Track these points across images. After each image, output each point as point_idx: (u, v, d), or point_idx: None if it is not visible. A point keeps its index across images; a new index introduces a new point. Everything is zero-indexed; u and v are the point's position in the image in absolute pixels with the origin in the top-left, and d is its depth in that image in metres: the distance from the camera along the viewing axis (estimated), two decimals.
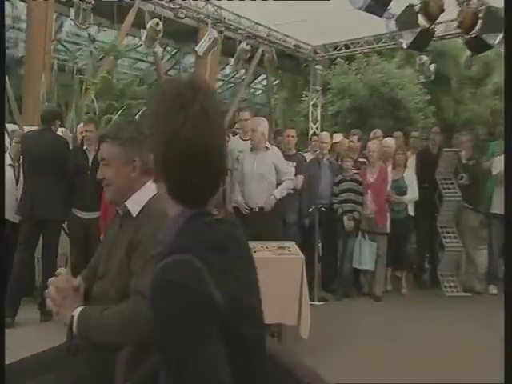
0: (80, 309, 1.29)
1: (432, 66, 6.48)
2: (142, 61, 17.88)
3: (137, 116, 6.28)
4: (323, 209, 4.67)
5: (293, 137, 4.79)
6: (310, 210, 4.65)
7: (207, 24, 5.35)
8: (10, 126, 5.97)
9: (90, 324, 1.27)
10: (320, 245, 4.97)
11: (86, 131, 4.26)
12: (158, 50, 14.26)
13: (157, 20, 4.80)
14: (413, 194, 4.94)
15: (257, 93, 24.12)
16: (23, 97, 10.54)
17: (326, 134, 5.14)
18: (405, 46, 4.24)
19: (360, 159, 5.18)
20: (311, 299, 4.61)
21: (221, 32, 5.47)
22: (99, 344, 1.25)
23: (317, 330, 3.77)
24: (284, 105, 10.72)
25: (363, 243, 4.77)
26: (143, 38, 5.04)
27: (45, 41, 10.72)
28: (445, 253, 5.10)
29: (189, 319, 0.76)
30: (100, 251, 1.53)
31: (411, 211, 5.04)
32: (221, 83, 21.67)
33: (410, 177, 4.99)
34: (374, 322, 4.18)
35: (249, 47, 5.85)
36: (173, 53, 18.85)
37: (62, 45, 14.74)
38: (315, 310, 4.43)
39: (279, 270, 3.17)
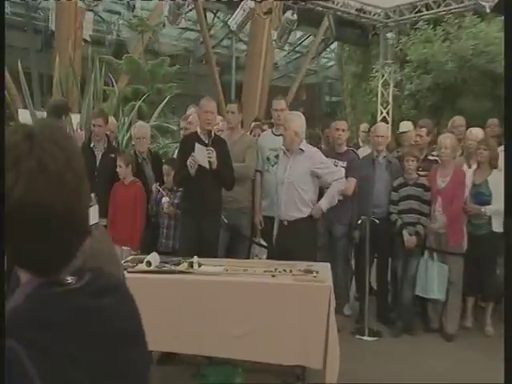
0: None
1: None
2: (192, 30, 18.34)
3: (163, 102, 6.43)
4: (376, 220, 4.48)
5: (343, 130, 4.61)
6: (360, 221, 4.49)
7: None
8: (22, 112, 6.43)
9: None
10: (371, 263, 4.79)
11: (94, 126, 4.47)
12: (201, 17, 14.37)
13: None
14: (499, 203, 4.54)
15: (329, 64, 23.70)
16: (54, 77, 11.28)
17: (381, 125, 4.90)
18: (488, 10, 3.88)
19: (430, 157, 4.88)
20: (360, 333, 4.52)
21: (259, 1, 5.42)
22: None
23: (364, 373, 3.64)
24: (352, 81, 10.40)
25: (430, 265, 4.49)
26: (165, 13, 5.14)
27: (75, 11, 11.15)
28: None
29: None
30: None
31: (498, 227, 4.64)
32: (284, 53, 21.63)
33: (499, 180, 4.59)
34: (443, 368, 3.88)
35: (295, 17, 5.74)
36: (226, 19, 19.10)
37: (99, 16, 15.51)
38: (364, 347, 4.31)
39: (301, 300, 3.10)
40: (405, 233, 4.49)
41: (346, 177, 4.49)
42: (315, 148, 4.20)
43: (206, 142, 3.98)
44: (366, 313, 4.55)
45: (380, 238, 4.60)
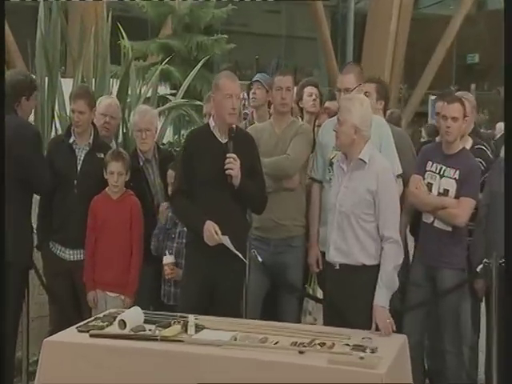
0: None
1: None
2: None
3: (198, 66, 6.70)
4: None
5: (454, 119, 4.57)
6: (480, 267, 4.56)
7: None
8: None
9: None
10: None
11: (73, 112, 4.92)
12: None
13: None
14: None
15: None
16: (38, 27, 12.45)
17: None
18: None
19: None
20: None
21: None
22: None
23: None
24: None
25: None
26: None
27: None
28: None
29: None
30: None
31: None
32: None
33: None
34: None
35: None
36: None
37: None
38: None
39: None
40: None
41: (457, 196, 4.60)
42: (383, 161, 4.14)
43: (223, 141, 4.22)
44: None
45: None
